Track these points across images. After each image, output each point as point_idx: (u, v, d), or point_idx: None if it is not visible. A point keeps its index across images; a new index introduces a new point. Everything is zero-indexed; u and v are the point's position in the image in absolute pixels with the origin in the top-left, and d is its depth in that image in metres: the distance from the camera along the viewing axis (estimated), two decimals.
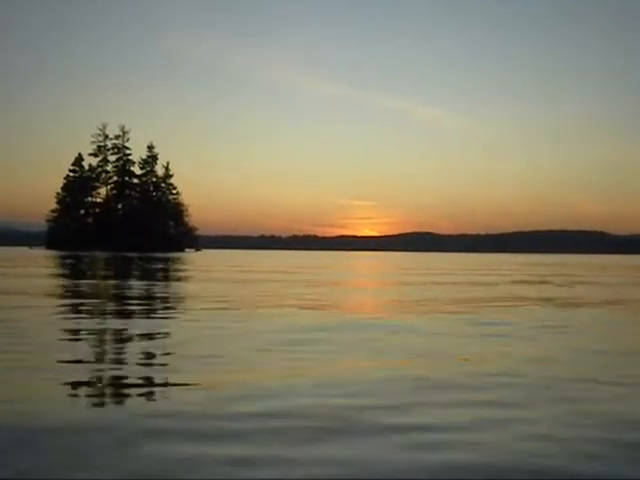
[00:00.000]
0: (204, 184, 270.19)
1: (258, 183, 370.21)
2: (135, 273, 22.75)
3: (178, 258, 53.94)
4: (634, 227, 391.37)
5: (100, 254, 65.46)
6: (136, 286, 14.54)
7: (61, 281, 16.98)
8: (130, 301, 10.74)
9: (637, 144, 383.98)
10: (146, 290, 13.20)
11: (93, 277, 19.59)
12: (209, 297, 11.68)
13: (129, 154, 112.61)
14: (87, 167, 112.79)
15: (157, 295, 11.83)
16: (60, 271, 24.49)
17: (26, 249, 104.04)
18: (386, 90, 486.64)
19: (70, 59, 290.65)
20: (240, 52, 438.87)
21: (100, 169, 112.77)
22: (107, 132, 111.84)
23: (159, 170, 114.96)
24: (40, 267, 27.31)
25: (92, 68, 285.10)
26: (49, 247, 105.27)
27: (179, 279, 18.88)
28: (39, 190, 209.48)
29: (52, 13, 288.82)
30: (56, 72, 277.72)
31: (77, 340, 6.44)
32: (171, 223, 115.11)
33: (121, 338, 6.59)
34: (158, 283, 15.75)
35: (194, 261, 44.47)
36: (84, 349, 5.84)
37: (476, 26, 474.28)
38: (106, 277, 19.94)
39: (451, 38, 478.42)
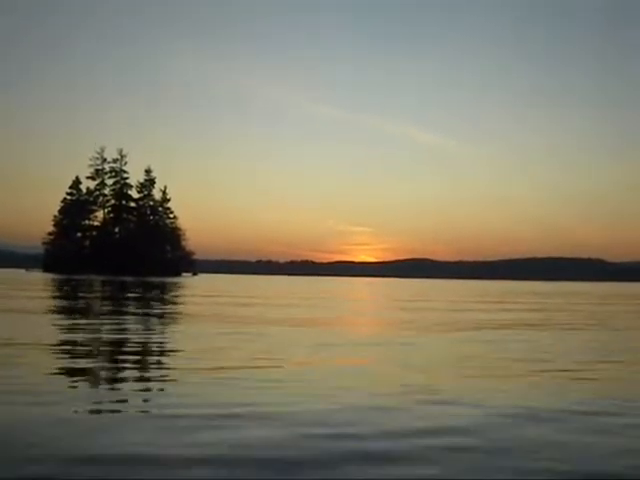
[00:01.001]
0: (202, 208, 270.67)
1: (257, 208, 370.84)
2: (121, 309, 22.42)
3: (173, 284, 53.50)
4: (632, 255, 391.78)
5: (96, 278, 65.04)
6: (112, 330, 14.17)
7: (51, 319, 16.58)
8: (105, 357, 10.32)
9: (636, 170, 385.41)
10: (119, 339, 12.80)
11: (85, 312, 19.27)
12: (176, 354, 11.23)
13: (126, 177, 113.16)
14: (85, 190, 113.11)
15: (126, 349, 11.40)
16: (51, 303, 24.14)
17: (23, 272, 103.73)
18: (386, 114, 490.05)
19: (69, 80, 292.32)
20: (240, 74, 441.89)
21: (97, 192, 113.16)
22: (105, 155, 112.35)
23: (156, 194, 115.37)
24: (30, 297, 26.91)
25: (91, 90, 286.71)
26: (46, 270, 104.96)
27: (162, 316, 18.47)
28: (37, 212, 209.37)
29: (52, 31, 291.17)
30: (56, 92, 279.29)
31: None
32: (168, 247, 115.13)
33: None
34: (136, 328, 15.34)
35: (187, 287, 44.09)
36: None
37: (478, 52, 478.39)
38: (99, 313, 19.62)
39: (449, 63, 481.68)
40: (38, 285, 42.32)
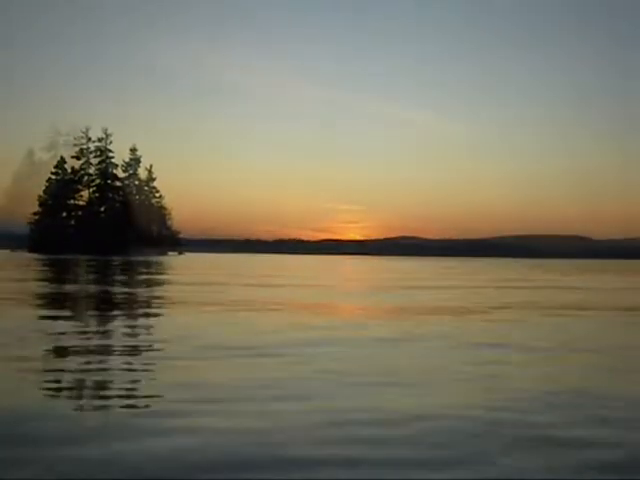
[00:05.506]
0: (189, 188, 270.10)
1: (244, 186, 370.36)
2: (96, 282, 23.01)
3: (155, 263, 53.97)
4: (615, 232, 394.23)
5: (82, 258, 65.36)
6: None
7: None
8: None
9: (618, 149, 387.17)
10: None
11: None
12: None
13: (112, 157, 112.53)
14: (69, 170, 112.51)
15: None
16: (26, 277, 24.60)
17: (7, 252, 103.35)
18: (373, 94, 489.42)
19: (54, 59, 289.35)
20: (226, 54, 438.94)
21: (82, 172, 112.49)
22: (90, 135, 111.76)
23: (142, 173, 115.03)
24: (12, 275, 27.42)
25: (74, 69, 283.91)
26: (31, 250, 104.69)
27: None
28: (21, 191, 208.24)
29: (37, 10, 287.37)
30: (41, 71, 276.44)
31: None
32: (154, 227, 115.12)
33: None
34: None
35: (166, 268, 44.65)
36: None
37: (462, 30, 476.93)
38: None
39: (437, 42, 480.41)
40: (21, 267, 42.60)
